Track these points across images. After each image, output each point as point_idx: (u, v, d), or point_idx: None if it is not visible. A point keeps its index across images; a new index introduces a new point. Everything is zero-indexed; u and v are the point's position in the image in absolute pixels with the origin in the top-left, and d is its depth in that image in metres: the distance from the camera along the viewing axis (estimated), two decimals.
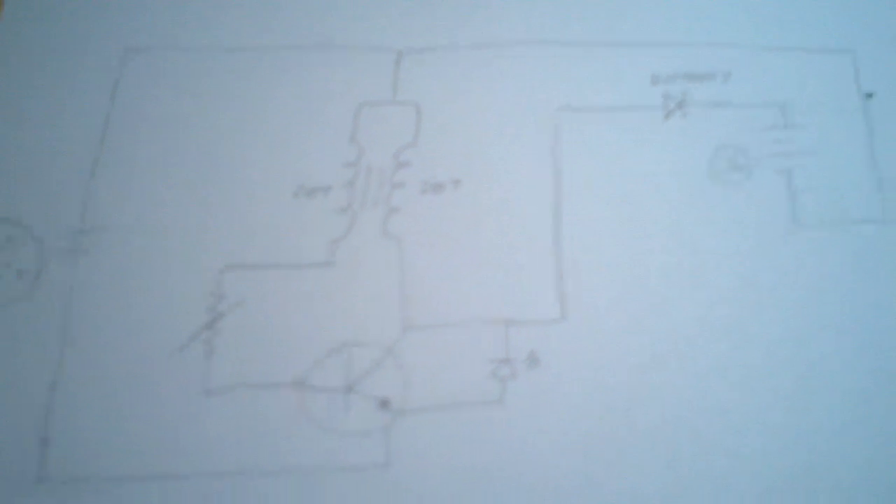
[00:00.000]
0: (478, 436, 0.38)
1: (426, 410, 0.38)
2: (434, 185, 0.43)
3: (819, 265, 0.41)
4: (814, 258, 0.41)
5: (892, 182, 0.43)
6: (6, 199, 0.43)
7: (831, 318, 0.40)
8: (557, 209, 0.42)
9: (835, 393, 0.39)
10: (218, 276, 0.41)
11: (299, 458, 0.38)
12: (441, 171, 0.43)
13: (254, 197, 0.43)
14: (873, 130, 0.44)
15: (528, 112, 0.45)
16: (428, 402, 0.39)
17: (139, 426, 0.39)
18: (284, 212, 0.42)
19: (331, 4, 0.47)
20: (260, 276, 0.41)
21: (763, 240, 0.42)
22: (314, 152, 0.44)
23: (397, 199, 0.43)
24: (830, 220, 0.42)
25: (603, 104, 0.45)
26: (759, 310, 0.40)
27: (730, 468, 0.38)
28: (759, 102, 0.44)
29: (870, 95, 0.44)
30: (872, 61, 0.45)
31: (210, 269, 0.41)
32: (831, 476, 0.38)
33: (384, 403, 0.38)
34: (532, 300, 0.40)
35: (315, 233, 0.42)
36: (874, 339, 0.40)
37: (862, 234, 0.42)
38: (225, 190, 0.43)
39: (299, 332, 0.40)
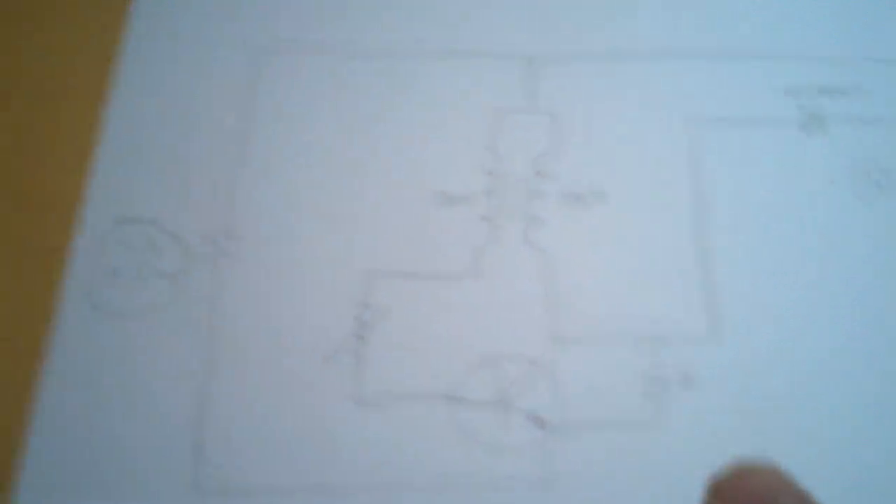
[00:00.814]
0: (633, 454, 0.38)
1: (580, 427, 0.39)
2: (574, 195, 0.43)
3: None
4: None
5: None
6: (149, 201, 0.43)
7: None
8: (701, 222, 0.42)
9: None
10: (363, 283, 0.41)
11: (453, 472, 0.38)
12: (581, 182, 0.43)
13: (394, 203, 0.43)
14: None
15: (664, 122, 0.45)
16: (582, 419, 0.39)
17: (290, 434, 0.39)
18: (425, 219, 0.43)
19: (465, 12, 0.47)
20: (405, 285, 0.41)
21: None
22: (452, 160, 0.44)
23: (538, 209, 0.42)
24: None
25: (739, 116, 0.45)
26: None
27: (892, 492, 0.38)
28: None
29: None
30: None
31: (354, 277, 0.42)
32: None
33: (537, 419, 0.38)
34: (682, 316, 0.40)
35: (457, 241, 0.42)
36: None
37: None
38: (365, 196, 0.43)
39: (447, 343, 0.40)
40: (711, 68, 0.46)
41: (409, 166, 0.43)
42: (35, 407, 0.39)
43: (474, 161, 0.44)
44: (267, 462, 0.38)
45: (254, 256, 0.42)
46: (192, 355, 0.40)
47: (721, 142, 0.44)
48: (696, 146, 0.44)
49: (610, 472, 0.38)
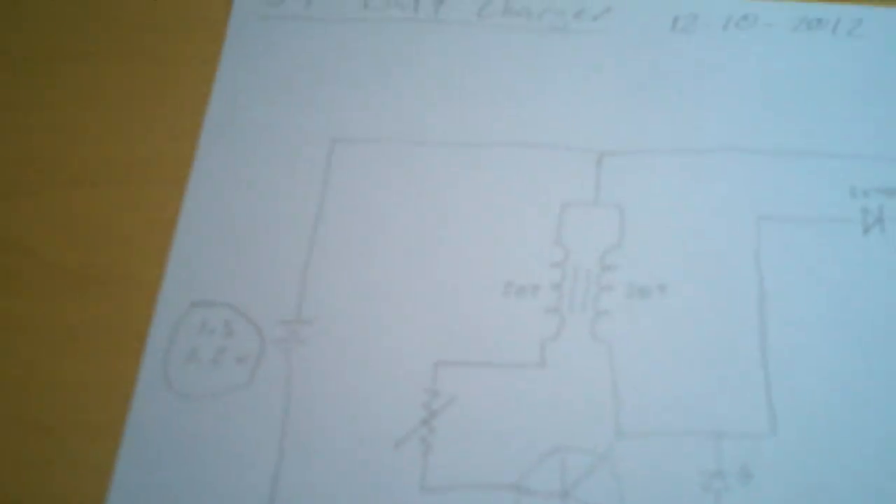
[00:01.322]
0: None
1: None
2: (640, 288, 0.44)
3: None
4: None
5: None
6: (224, 285, 0.44)
7: None
8: (763, 317, 0.43)
9: None
10: (432, 371, 0.42)
11: None
12: (646, 275, 0.44)
13: (463, 292, 0.44)
14: None
15: (729, 218, 0.45)
16: None
17: None
18: (494, 309, 0.43)
19: (534, 105, 0.48)
20: (473, 374, 0.42)
21: None
22: (520, 251, 0.45)
23: (604, 303, 0.43)
24: None
25: (802, 215, 0.45)
26: None
27: None
28: None
29: None
30: None
31: (423, 365, 0.42)
32: None
33: None
34: (742, 412, 0.41)
35: (526, 332, 0.43)
36: None
37: None
38: (434, 283, 0.44)
39: (513, 433, 0.41)
40: (776, 166, 0.47)
41: (478, 255, 0.45)
42: (111, 486, 0.40)
43: (542, 252, 0.45)
44: None
45: (325, 342, 0.43)
46: (265, 439, 0.41)
47: (784, 240, 0.45)
48: (759, 243, 0.45)
49: None
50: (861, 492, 0.40)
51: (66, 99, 0.49)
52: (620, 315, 0.43)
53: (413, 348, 0.42)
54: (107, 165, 0.47)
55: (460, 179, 0.46)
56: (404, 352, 0.42)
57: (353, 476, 0.40)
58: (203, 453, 0.41)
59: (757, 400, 0.41)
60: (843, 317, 0.43)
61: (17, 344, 0.44)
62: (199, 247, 0.45)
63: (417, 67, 0.49)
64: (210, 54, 0.50)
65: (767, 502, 0.40)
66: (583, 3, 0.51)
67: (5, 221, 0.46)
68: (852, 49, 0.49)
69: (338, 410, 0.41)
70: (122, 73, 0.50)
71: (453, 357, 0.42)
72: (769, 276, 0.44)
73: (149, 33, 0.51)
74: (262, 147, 0.47)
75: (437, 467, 0.40)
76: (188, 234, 0.45)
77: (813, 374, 0.42)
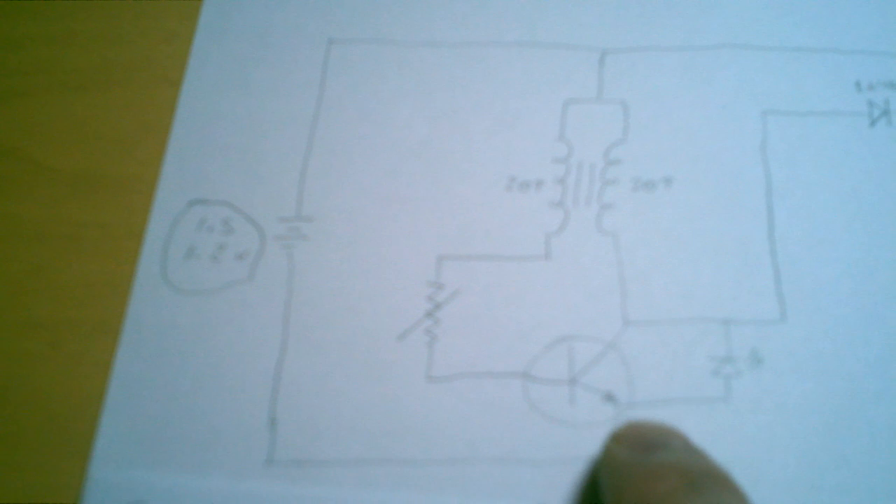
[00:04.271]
0: (704, 432, 0.38)
1: (651, 405, 0.39)
2: (646, 182, 0.43)
3: None
4: None
5: None
6: (222, 184, 0.43)
7: None
8: (770, 209, 0.42)
9: None
10: (435, 265, 0.41)
11: (526, 448, 0.38)
12: (652, 170, 0.43)
13: (466, 188, 0.43)
14: None
15: (734, 114, 0.45)
16: (653, 397, 0.39)
17: (362, 410, 0.39)
18: (497, 204, 0.43)
19: (535, 3, 0.47)
20: (477, 267, 0.41)
21: None
22: (523, 147, 0.44)
23: (609, 196, 0.42)
24: None
25: (808, 109, 0.45)
26: None
27: None
28: None
29: None
30: None
31: (427, 259, 0.42)
32: None
33: (609, 397, 0.39)
34: (752, 299, 0.40)
35: (530, 226, 0.42)
36: None
37: None
38: (436, 180, 0.43)
39: (519, 324, 0.40)
40: (780, 62, 0.46)
41: (481, 152, 0.44)
42: (111, 381, 0.39)
43: (545, 148, 0.44)
44: (339, 436, 0.39)
45: (327, 238, 0.42)
46: (267, 333, 0.40)
47: (789, 133, 0.44)
48: (764, 136, 0.44)
49: None
50: (872, 376, 0.39)
51: (58, 3, 0.48)
52: (626, 208, 0.42)
53: (416, 243, 0.42)
54: (101, 68, 0.46)
55: (460, 79, 0.46)
56: (407, 246, 0.42)
57: (356, 368, 0.39)
58: (204, 348, 0.40)
59: (766, 288, 0.41)
60: (850, 207, 0.42)
61: (15, 247, 0.44)
62: (196, 147, 0.44)
63: None
64: None
65: (778, 386, 0.39)
66: None
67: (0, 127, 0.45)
68: None
69: (340, 305, 0.41)
70: None
71: (457, 251, 0.42)
72: (776, 168, 0.43)
73: None
74: (258, 48, 0.46)
75: (443, 357, 0.39)
76: (184, 134, 0.45)
77: (822, 263, 0.41)
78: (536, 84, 0.46)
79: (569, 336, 0.40)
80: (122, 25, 0.48)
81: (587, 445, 0.38)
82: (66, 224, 0.43)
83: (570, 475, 0.38)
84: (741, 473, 0.37)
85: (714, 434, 0.38)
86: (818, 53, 0.46)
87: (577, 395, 0.39)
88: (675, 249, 0.42)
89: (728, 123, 0.45)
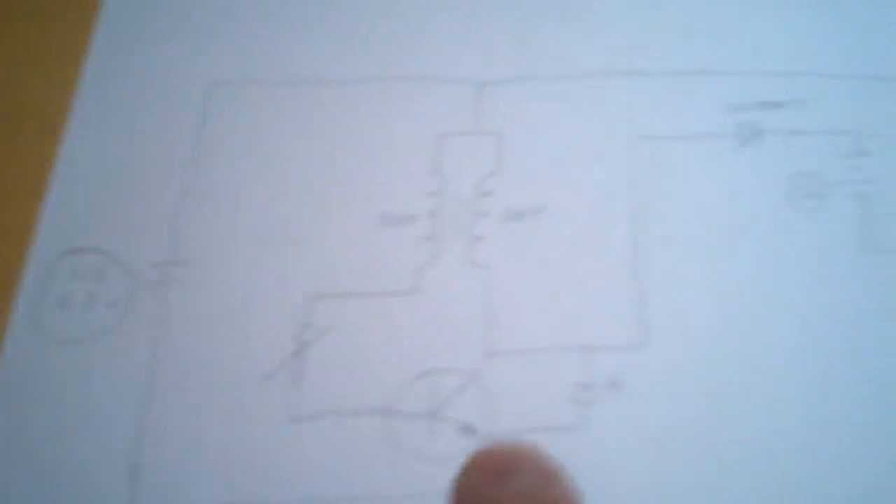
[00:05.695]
0: (563, 459, 0.38)
1: (510, 435, 0.39)
2: (516, 212, 0.43)
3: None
4: (892, 280, 0.41)
5: None
6: (96, 230, 0.43)
7: None
8: (637, 235, 0.43)
9: None
10: (305, 304, 0.41)
11: (385, 484, 0.38)
12: (523, 200, 0.44)
13: (338, 226, 0.44)
14: None
15: (608, 140, 0.45)
16: (512, 427, 0.39)
17: (225, 453, 0.39)
18: (370, 240, 0.43)
19: (412, 38, 0.48)
20: (347, 305, 0.42)
21: (841, 263, 0.41)
22: (398, 182, 0.44)
23: (481, 228, 0.43)
24: None
25: (680, 133, 0.45)
26: (842, 332, 0.40)
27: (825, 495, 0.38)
28: (834, 130, 0.45)
29: None
30: None
31: (297, 298, 0.42)
32: None
33: (468, 428, 0.39)
34: (613, 326, 0.41)
35: (401, 261, 0.43)
36: None
37: None
38: (310, 220, 0.44)
39: (385, 360, 0.41)
40: (656, 86, 0.46)
41: (354, 189, 0.44)
42: None
43: (420, 183, 0.44)
44: (202, 482, 0.39)
45: (199, 282, 0.43)
46: (133, 380, 0.41)
47: (661, 158, 0.45)
48: (636, 163, 0.44)
49: None
50: (733, 398, 0.39)
51: None
52: (496, 239, 0.43)
53: (287, 283, 0.42)
54: None
55: (338, 117, 0.46)
56: (278, 287, 0.42)
57: (222, 412, 0.40)
58: (71, 397, 0.41)
59: (628, 314, 0.41)
60: (716, 229, 0.43)
61: None
62: (74, 195, 0.45)
63: (293, 7, 0.49)
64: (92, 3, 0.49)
65: (637, 411, 0.39)
66: None
67: None
68: None
69: (208, 348, 0.41)
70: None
71: (328, 289, 0.42)
72: (645, 194, 0.44)
73: None
74: (140, 93, 0.47)
75: (308, 397, 0.40)
76: (64, 182, 0.45)
77: (685, 287, 0.42)
78: (414, 118, 0.46)
79: (432, 370, 0.40)
80: (5, 71, 0.48)
81: (445, 479, 0.38)
82: None
83: None
84: (600, 500, 0.37)
85: (572, 461, 0.38)
86: (691, 77, 0.47)
87: (436, 428, 0.39)
88: (541, 279, 0.42)
89: (600, 151, 0.45)
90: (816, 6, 0.49)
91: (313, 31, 0.49)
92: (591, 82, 0.47)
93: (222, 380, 0.41)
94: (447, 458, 0.39)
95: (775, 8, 0.49)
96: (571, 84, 0.47)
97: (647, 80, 0.47)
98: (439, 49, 0.48)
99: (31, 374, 0.41)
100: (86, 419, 0.40)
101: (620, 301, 0.42)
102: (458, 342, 0.41)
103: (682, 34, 0.48)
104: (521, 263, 0.43)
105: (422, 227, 0.44)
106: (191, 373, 0.41)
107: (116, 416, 0.40)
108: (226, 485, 0.39)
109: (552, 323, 0.41)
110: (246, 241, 0.43)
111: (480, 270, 0.42)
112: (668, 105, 0.46)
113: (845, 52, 0.47)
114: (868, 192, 0.44)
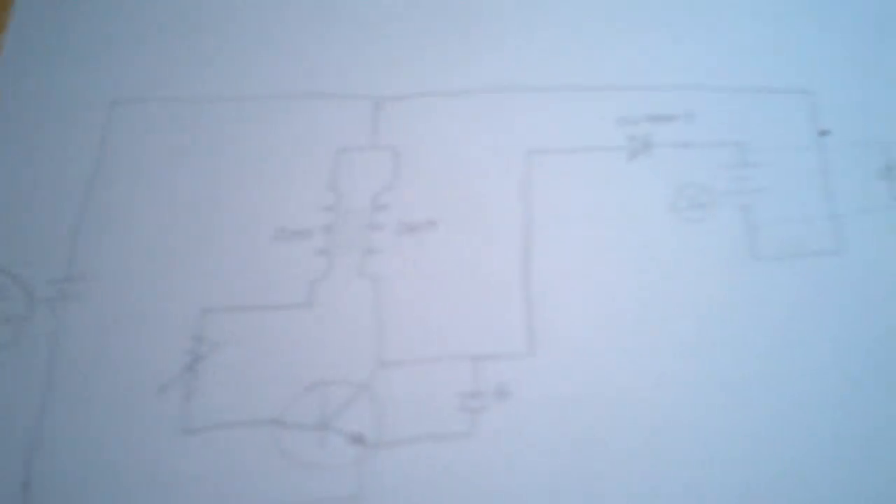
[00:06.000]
0: (449, 467, 0.39)
1: (399, 444, 0.40)
2: (410, 225, 0.44)
3: (778, 295, 0.42)
4: (773, 289, 0.43)
5: (845, 215, 0.44)
6: None
7: (790, 344, 0.42)
8: (527, 246, 0.44)
9: (801, 421, 0.40)
10: (200, 318, 0.42)
11: (275, 495, 0.39)
12: (417, 213, 0.45)
13: (234, 241, 0.44)
14: (827, 166, 0.45)
15: (500, 155, 0.46)
16: (401, 436, 0.40)
17: (117, 467, 0.40)
18: (265, 255, 0.44)
19: (312, 56, 0.49)
20: (241, 318, 0.42)
21: (725, 272, 0.43)
22: (293, 197, 0.45)
23: (374, 241, 0.44)
24: (787, 252, 0.43)
25: (571, 146, 0.46)
26: (725, 340, 0.42)
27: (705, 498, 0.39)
28: (720, 142, 0.46)
29: (824, 133, 0.46)
30: (828, 101, 0.47)
31: (191, 313, 0.43)
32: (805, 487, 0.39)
33: (358, 438, 0.40)
34: (501, 335, 0.42)
35: (295, 275, 0.43)
36: (830, 360, 0.41)
37: (817, 265, 0.43)
38: (206, 235, 0.44)
39: (277, 372, 0.41)
40: (548, 102, 0.48)
41: (252, 204, 0.45)
42: None
43: (316, 198, 0.45)
44: (95, 496, 0.40)
45: (96, 298, 0.43)
46: (28, 397, 0.41)
47: (551, 172, 0.46)
48: (527, 176, 0.45)
49: (426, 483, 0.39)
50: (619, 403, 0.41)
51: None
52: (389, 252, 0.44)
53: (181, 297, 0.43)
54: None
55: (237, 133, 0.47)
56: (172, 302, 0.43)
57: (115, 426, 0.40)
58: None
59: (516, 323, 0.42)
60: (603, 239, 0.44)
61: None
62: None
63: (193, 26, 0.49)
64: None
65: (524, 417, 0.40)
66: None
67: None
68: None
69: (103, 363, 0.42)
70: None
71: (222, 303, 0.43)
72: (536, 206, 0.45)
73: None
74: (42, 112, 0.48)
75: (200, 410, 0.40)
76: None
77: (572, 295, 0.43)
78: (312, 134, 0.47)
79: (323, 381, 0.41)
80: None
81: (335, 488, 0.39)
82: None
83: None
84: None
85: (460, 468, 0.39)
86: (583, 91, 0.48)
87: (327, 438, 0.40)
88: (432, 290, 0.43)
89: (493, 164, 0.46)
90: (704, 22, 0.50)
91: (213, 50, 0.49)
92: (484, 98, 0.48)
93: (117, 393, 0.41)
94: (336, 467, 0.39)
95: (665, 24, 0.50)
96: (465, 100, 0.48)
97: (539, 95, 0.48)
98: (339, 65, 0.48)
99: None
100: None
101: (509, 311, 0.43)
102: (349, 353, 0.42)
103: (573, 50, 0.49)
104: (413, 276, 0.43)
105: (317, 241, 0.44)
106: (87, 387, 0.41)
107: (9, 431, 0.40)
108: (120, 498, 0.39)
109: (442, 333, 0.42)
110: (143, 256, 0.44)
111: (372, 283, 0.43)
112: (560, 119, 0.47)
113: (733, 65, 0.48)
114: (752, 202, 0.45)
